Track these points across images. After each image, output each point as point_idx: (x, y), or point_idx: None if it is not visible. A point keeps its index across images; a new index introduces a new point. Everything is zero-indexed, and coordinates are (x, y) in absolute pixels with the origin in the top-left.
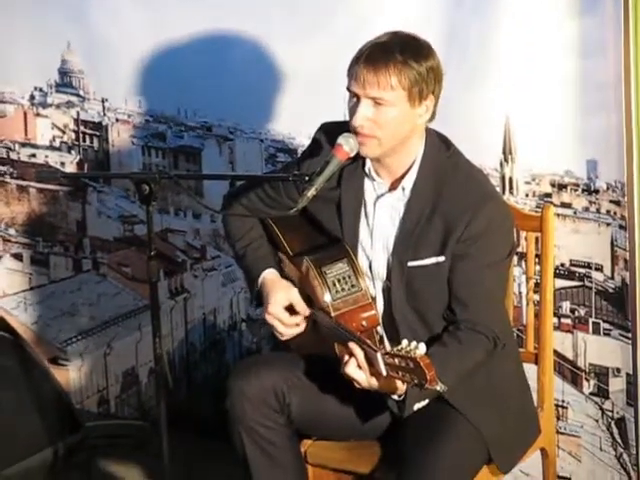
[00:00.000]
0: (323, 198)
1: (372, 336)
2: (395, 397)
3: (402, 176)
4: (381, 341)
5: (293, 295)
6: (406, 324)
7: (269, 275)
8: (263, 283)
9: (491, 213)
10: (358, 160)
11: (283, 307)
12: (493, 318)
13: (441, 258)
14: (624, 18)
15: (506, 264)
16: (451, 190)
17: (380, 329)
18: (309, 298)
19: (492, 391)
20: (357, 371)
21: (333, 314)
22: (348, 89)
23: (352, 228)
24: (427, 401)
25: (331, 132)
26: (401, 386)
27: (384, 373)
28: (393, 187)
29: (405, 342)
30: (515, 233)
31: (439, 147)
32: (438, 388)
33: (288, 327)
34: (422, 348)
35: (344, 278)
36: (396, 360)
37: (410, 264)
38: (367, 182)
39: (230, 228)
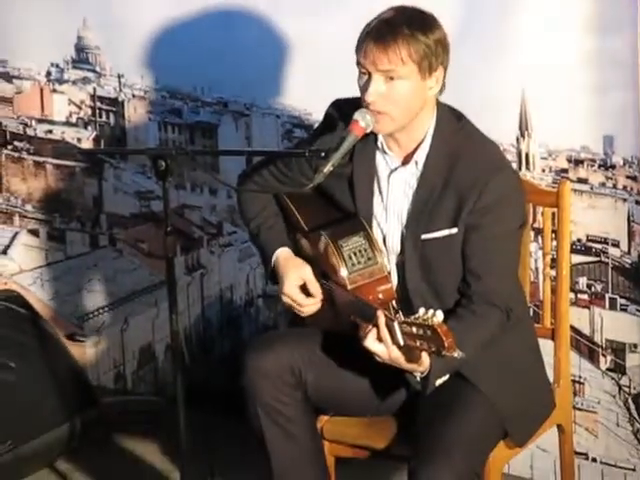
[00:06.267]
0: (336, 174)
1: (388, 309)
2: (418, 374)
3: (414, 150)
4: (397, 314)
5: (307, 274)
6: (420, 298)
7: (283, 253)
8: (277, 261)
9: (502, 184)
10: (370, 135)
11: (298, 287)
12: (506, 289)
13: (454, 230)
14: None
15: (518, 235)
16: (463, 162)
17: (395, 303)
18: (325, 272)
19: (507, 364)
20: (377, 344)
21: (349, 287)
22: (358, 65)
23: (366, 203)
24: (447, 376)
25: (344, 108)
26: (425, 361)
27: (401, 342)
28: (406, 161)
29: (422, 310)
30: (530, 207)
31: (450, 120)
32: (456, 355)
33: (305, 306)
34: (440, 315)
35: (360, 251)
36: (413, 329)
37: (424, 237)
38: (379, 157)
39: (244, 207)
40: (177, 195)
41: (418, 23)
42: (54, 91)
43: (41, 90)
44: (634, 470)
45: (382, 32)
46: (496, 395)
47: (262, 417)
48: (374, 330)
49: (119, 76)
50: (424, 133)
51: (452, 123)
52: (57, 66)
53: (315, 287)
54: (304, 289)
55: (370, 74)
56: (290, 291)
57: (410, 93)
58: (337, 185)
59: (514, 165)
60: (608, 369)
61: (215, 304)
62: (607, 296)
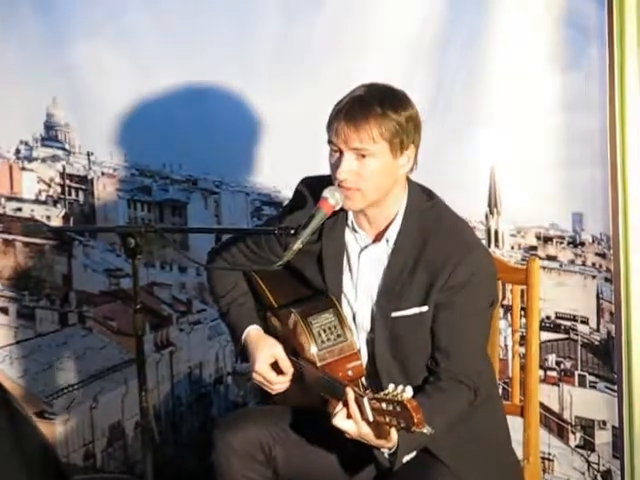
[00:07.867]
0: (305, 251)
1: (358, 386)
2: (386, 450)
3: (386, 228)
4: (366, 391)
5: (278, 351)
6: (388, 375)
7: (253, 331)
8: (247, 340)
9: (474, 262)
10: (339, 213)
11: (269, 364)
12: (474, 368)
13: (424, 308)
14: (609, 71)
15: (489, 314)
16: (435, 240)
17: (364, 380)
18: (295, 349)
19: (475, 441)
20: (346, 421)
21: (319, 364)
22: (329, 142)
23: (335, 280)
24: (415, 453)
25: (313, 186)
26: (393, 437)
27: (371, 418)
28: (377, 239)
29: (392, 386)
30: (499, 285)
31: (421, 198)
32: (425, 431)
33: (276, 384)
34: (409, 391)
35: (330, 328)
36: (383, 404)
37: (394, 315)
38: (349, 234)
39: (214, 285)
40: (146, 273)
41: (389, 101)
42: (23, 169)
43: (10, 168)
44: None
45: (353, 111)
46: (464, 472)
47: None
48: (343, 407)
49: (88, 154)
50: (395, 211)
51: (423, 201)
52: (26, 144)
53: (286, 365)
54: (275, 367)
55: (342, 152)
56: (262, 369)
57: (381, 171)
58: (306, 262)
59: (483, 242)
60: (577, 446)
61: (184, 381)
62: (576, 373)
